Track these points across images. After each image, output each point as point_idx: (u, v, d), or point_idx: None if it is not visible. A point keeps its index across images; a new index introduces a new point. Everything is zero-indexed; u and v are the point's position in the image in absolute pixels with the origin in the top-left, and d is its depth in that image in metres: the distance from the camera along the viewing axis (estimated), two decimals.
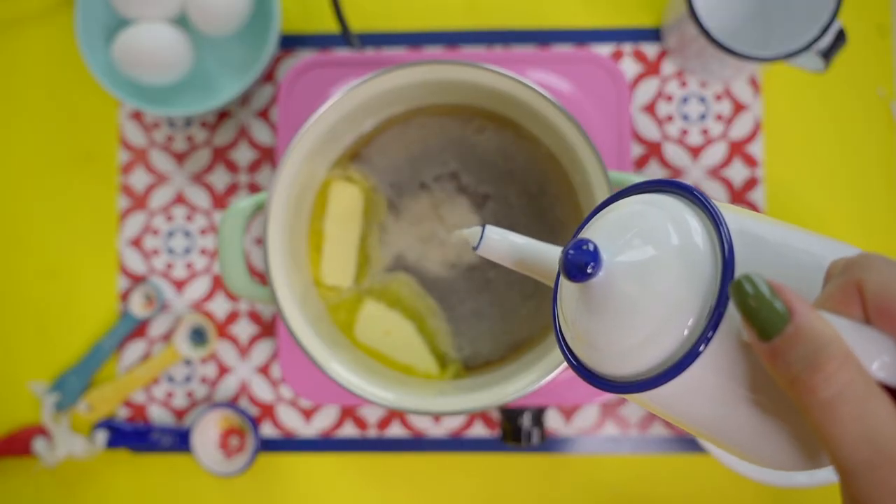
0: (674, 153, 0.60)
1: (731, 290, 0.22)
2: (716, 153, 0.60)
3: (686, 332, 0.23)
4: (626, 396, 0.25)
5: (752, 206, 0.60)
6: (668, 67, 0.61)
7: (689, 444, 0.59)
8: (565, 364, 0.48)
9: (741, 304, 0.22)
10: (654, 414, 0.35)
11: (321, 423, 0.61)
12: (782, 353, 0.21)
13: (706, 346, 0.23)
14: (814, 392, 0.21)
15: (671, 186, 0.26)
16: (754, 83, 0.60)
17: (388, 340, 0.54)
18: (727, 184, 0.60)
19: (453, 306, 0.55)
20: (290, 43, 0.62)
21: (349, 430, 0.60)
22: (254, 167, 0.61)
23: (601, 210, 0.28)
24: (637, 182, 0.28)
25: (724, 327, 0.23)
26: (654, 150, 0.60)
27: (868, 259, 0.23)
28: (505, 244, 0.33)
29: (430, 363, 0.54)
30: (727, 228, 0.24)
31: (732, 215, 0.25)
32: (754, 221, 0.25)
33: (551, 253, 0.33)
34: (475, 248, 0.33)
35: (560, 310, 0.28)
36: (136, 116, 0.62)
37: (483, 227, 0.33)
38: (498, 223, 0.53)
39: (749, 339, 0.22)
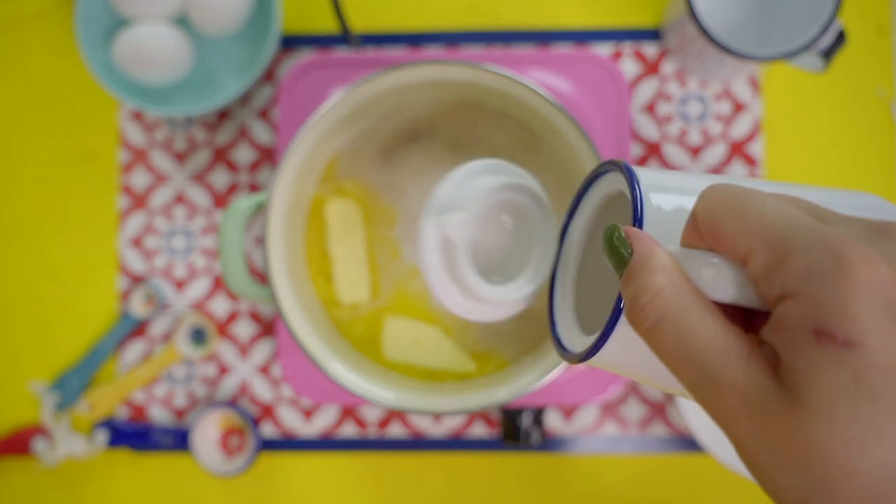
0: (673, 153, 0.60)
1: (602, 242, 0.23)
2: (715, 153, 0.60)
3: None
4: (592, 363, 0.27)
5: None
6: (667, 67, 0.61)
7: (688, 444, 0.59)
8: (565, 364, 0.48)
9: (606, 246, 0.23)
10: (630, 379, 0.35)
11: (321, 422, 0.61)
12: (624, 287, 0.22)
13: (618, 304, 0.24)
14: (636, 323, 0.22)
15: (611, 165, 0.28)
16: (754, 83, 0.60)
17: (420, 350, 0.54)
18: None
19: None
20: (290, 43, 0.62)
21: (349, 430, 0.61)
22: (254, 167, 0.62)
23: (578, 200, 0.30)
24: (596, 167, 0.29)
25: None
26: (653, 150, 0.60)
27: (707, 189, 0.23)
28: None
29: (466, 362, 0.54)
30: (639, 189, 0.25)
31: (657, 174, 0.26)
32: (677, 178, 0.26)
33: None
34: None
35: (558, 298, 0.30)
36: (137, 116, 0.62)
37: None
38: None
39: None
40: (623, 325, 0.24)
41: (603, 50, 0.61)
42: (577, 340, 0.28)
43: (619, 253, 0.23)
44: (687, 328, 0.21)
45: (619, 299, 0.24)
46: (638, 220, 0.24)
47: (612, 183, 0.28)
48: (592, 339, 0.25)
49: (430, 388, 0.52)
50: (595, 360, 0.26)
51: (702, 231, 0.22)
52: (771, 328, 0.20)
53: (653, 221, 0.24)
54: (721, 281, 0.22)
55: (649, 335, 0.22)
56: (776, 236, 0.20)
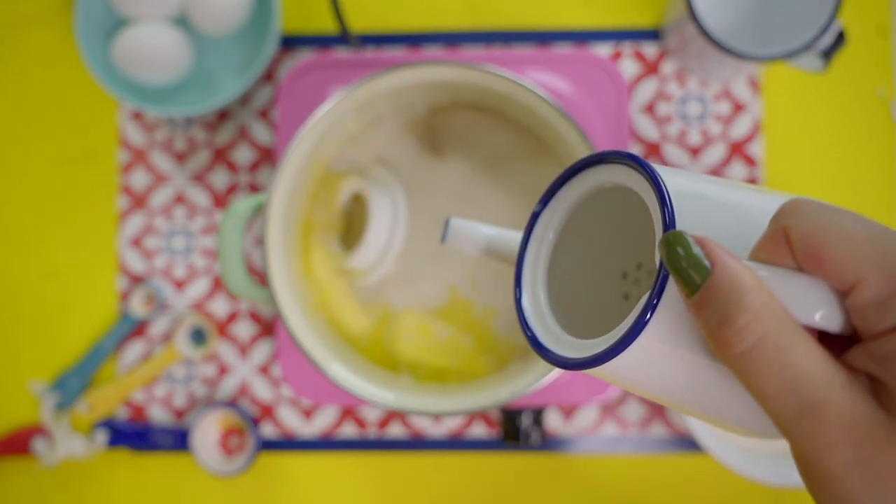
0: (673, 153, 0.60)
1: (659, 248, 0.21)
2: (715, 153, 0.60)
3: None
4: (589, 372, 0.25)
5: None
6: (667, 67, 0.61)
7: (689, 444, 0.59)
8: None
9: (668, 261, 0.21)
10: (627, 391, 0.35)
11: (321, 422, 0.61)
12: (702, 307, 0.20)
13: (653, 313, 0.22)
14: (729, 346, 0.20)
15: (616, 157, 0.26)
16: (754, 83, 0.60)
17: (432, 346, 0.54)
18: None
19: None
20: (290, 43, 0.62)
21: (349, 430, 0.61)
22: (254, 167, 0.62)
23: (557, 188, 0.29)
24: (585, 156, 0.27)
25: (671, 293, 0.22)
26: (653, 151, 0.60)
27: (795, 204, 0.22)
28: (471, 234, 0.33)
29: (477, 359, 0.54)
30: (666, 190, 0.23)
31: (674, 177, 0.24)
32: (695, 181, 0.24)
33: (514, 237, 0.34)
34: (442, 241, 0.34)
35: (527, 293, 0.29)
36: (136, 116, 0.62)
37: (448, 219, 0.34)
38: (494, 220, 0.53)
39: (683, 298, 0.21)
40: (648, 334, 0.22)
41: (603, 50, 0.61)
42: (564, 343, 0.26)
43: (696, 267, 0.21)
44: (790, 353, 0.20)
45: (649, 306, 0.22)
46: (670, 226, 0.22)
47: (608, 175, 0.26)
48: (593, 344, 0.24)
49: (430, 389, 0.52)
50: (600, 369, 0.24)
51: (797, 251, 0.21)
52: (872, 357, 0.20)
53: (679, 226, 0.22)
54: (824, 306, 0.20)
55: (742, 359, 0.20)
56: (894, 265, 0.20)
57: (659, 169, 0.24)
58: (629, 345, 0.22)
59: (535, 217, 0.29)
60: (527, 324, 0.28)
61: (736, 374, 0.20)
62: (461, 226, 0.33)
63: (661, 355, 0.23)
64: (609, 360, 0.23)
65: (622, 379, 0.25)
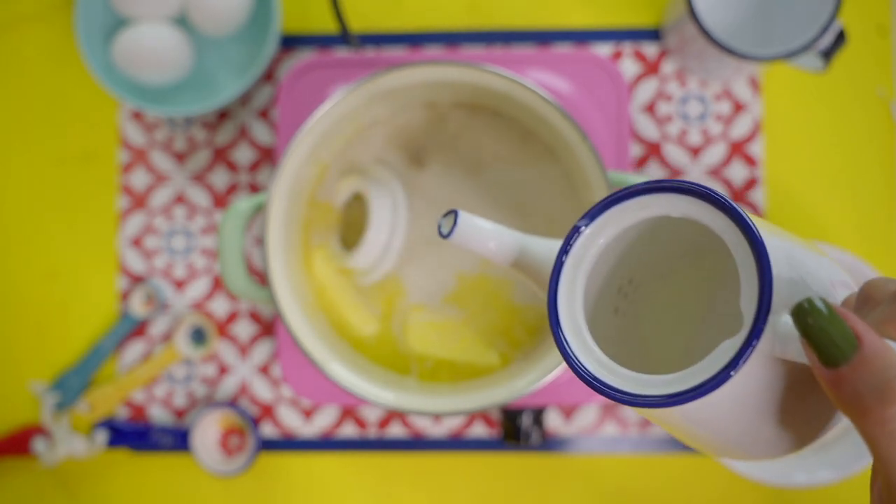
0: (673, 153, 0.60)
1: (792, 314, 0.22)
2: (715, 153, 0.60)
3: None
4: (642, 411, 0.25)
5: (753, 206, 0.60)
6: (667, 67, 0.61)
7: None
8: (565, 364, 0.48)
9: (805, 329, 0.21)
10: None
11: (321, 422, 0.61)
12: (849, 381, 0.21)
13: (745, 361, 0.22)
14: (884, 424, 0.20)
15: (691, 190, 0.25)
16: (754, 83, 0.60)
17: (443, 342, 0.54)
18: (727, 184, 0.60)
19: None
20: (290, 43, 0.62)
21: (349, 430, 0.61)
22: (254, 167, 0.62)
23: (609, 206, 0.26)
24: (655, 180, 0.26)
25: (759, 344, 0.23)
26: (653, 150, 0.60)
27: None
28: (486, 236, 0.29)
29: (489, 355, 0.54)
30: (763, 246, 0.23)
31: (763, 232, 0.24)
32: (772, 235, 0.25)
33: (540, 246, 0.30)
34: (445, 236, 0.30)
35: (567, 322, 0.26)
36: (136, 116, 0.62)
37: (455, 213, 0.30)
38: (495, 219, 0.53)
39: (810, 364, 0.22)
40: (735, 381, 0.22)
41: (603, 50, 0.61)
42: (619, 377, 0.25)
43: (844, 341, 0.21)
44: None
45: (743, 350, 0.22)
46: (768, 286, 0.22)
47: (676, 206, 0.25)
48: (663, 381, 0.23)
49: (430, 389, 0.52)
50: (666, 411, 0.24)
51: None
52: None
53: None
54: None
55: (894, 437, 0.21)
56: None
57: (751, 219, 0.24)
58: (714, 389, 0.22)
59: (576, 231, 0.27)
60: (577, 360, 0.26)
61: (875, 446, 0.21)
62: (473, 224, 0.30)
63: (727, 399, 0.23)
64: (690, 400, 0.23)
65: (678, 419, 0.25)
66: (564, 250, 0.27)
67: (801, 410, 0.25)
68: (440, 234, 0.30)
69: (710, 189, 0.25)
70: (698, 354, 0.25)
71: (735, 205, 0.24)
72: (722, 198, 0.24)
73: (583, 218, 0.27)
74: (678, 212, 0.25)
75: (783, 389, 0.24)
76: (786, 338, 0.22)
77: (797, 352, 0.22)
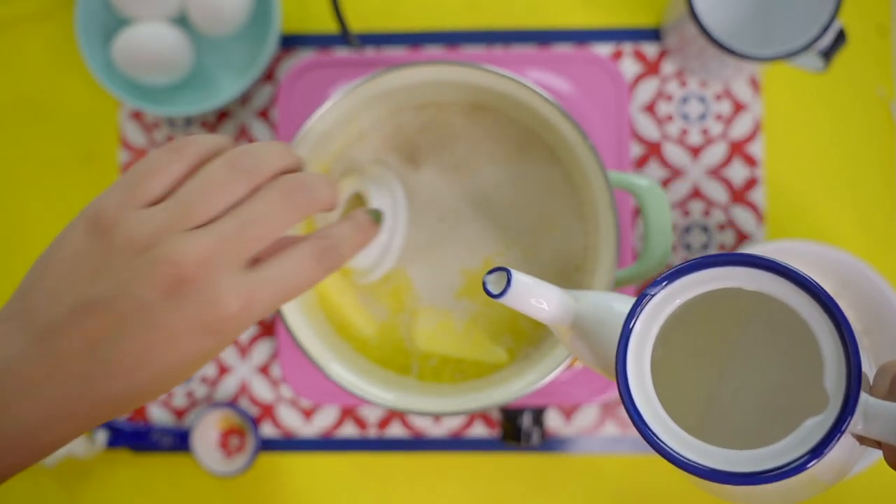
0: (673, 153, 0.60)
1: None
2: (716, 153, 0.60)
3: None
4: (721, 485, 0.25)
5: (753, 207, 0.60)
6: (667, 67, 0.61)
7: None
8: (565, 364, 0.48)
9: None
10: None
11: (321, 423, 0.61)
12: None
13: (838, 440, 0.23)
14: None
15: (776, 269, 0.25)
16: (754, 83, 0.60)
17: (450, 340, 0.54)
18: (727, 184, 0.60)
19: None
20: (290, 43, 0.62)
21: (349, 430, 0.61)
22: None
23: (681, 275, 0.26)
24: (734, 254, 0.26)
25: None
26: (653, 150, 0.60)
27: None
28: (536, 292, 0.28)
29: (497, 352, 0.54)
30: (851, 329, 0.24)
31: None
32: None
33: (590, 301, 0.29)
34: (496, 296, 0.28)
35: (639, 393, 0.26)
36: (137, 116, 0.62)
37: (507, 271, 0.28)
38: (495, 219, 0.53)
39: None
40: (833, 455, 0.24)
41: (603, 50, 0.61)
42: (699, 453, 0.25)
43: None
44: None
45: (836, 430, 0.23)
46: (856, 367, 0.24)
47: (753, 280, 0.26)
48: (750, 459, 0.24)
49: (431, 389, 0.52)
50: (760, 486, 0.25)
51: None
52: None
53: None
54: None
55: None
56: None
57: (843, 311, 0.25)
58: (806, 467, 0.24)
59: (645, 297, 0.27)
60: (657, 437, 0.26)
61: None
62: (528, 284, 0.28)
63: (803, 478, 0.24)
64: (784, 478, 0.24)
65: (741, 492, 0.26)
66: (633, 313, 0.27)
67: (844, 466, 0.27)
68: (488, 293, 0.29)
69: (796, 270, 0.25)
70: (724, 410, 0.27)
71: (820, 286, 0.25)
72: (809, 280, 0.25)
73: (653, 285, 0.26)
74: (752, 286, 0.26)
75: (844, 459, 0.26)
76: (874, 417, 0.24)
77: (885, 430, 0.23)
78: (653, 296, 0.26)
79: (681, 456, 0.25)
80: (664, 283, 0.26)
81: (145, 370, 0.30)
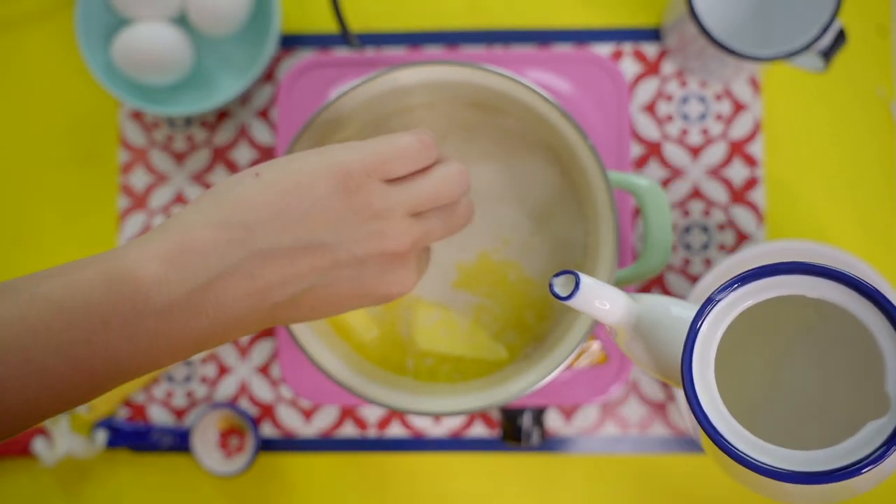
0: (673, 153, 0.60)
1: None
2: (716, 153, 0.60)
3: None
4: (787, 484, 0.26)
5: (753, 206, 0.60)
6: (667, 67, 0.61)
7: (689, 444, 0.59)
8: (565, 364, 0.48)
9: None
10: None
11: (321, 423, 0.61)
12: None
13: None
14: None
15: (840, 278, 0.26)
16: (754, 83, 0.60)
17: (450, 338, 0.54)
18: (727, 184, 0.60)
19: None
20: (290, 43, 0.62)
21: (349, 430, 0.61)
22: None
23: (748, 281, 0.27)
24: (799, 262, 0.27)
25: None
26: (653, 150, 0.60)
27: None
28: (604, 294, 0.29)
29: (498, 350, 0.53)
30: None
31: None
32: None
33: (649, 304, 0.30)
34: (564, 298, 0.29)
35: (704, 395, 0.27)
36: (136, 116, 0.62)
37: (576, 275, 0.29)
38: (494, 218, 0.53)
39: None
40: None
41: (603, 50, 0.61)
42: (765, 453, 0.26)
43: None
44: None
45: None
46: None
47: (810, 287, 0.27)
48: (814, 460, 0.25)
49: (430, 389, 0.52)
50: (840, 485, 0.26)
51: None
52: None
53: None
54: None
55: None
56: None
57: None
58: (870, 467, 0.25)
59: (713, 301, 0.27)
60: (724, 438, 0.27)
61: None
62: (594, 286, 0.29)
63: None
64: (850, 477, 0.25)
65: (793, 491, 0.27)
66: (700, 317, 0.27)
67: None
68: (556, 295, 0.29)
69: (861, 280, 0.26)
70: (772, 410, 0.29)
71: (884, 294, 0.26)
72: (873, 289, 0.26)
73: (721, 290, 0.27)
74: (815, 293, 0.26)
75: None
76: None
77: None
78: (720, 300, 0.27)
79: (750, 457, 0.26)
80: (734, 286, 0.27)
81: (319, 311, 0.36)
